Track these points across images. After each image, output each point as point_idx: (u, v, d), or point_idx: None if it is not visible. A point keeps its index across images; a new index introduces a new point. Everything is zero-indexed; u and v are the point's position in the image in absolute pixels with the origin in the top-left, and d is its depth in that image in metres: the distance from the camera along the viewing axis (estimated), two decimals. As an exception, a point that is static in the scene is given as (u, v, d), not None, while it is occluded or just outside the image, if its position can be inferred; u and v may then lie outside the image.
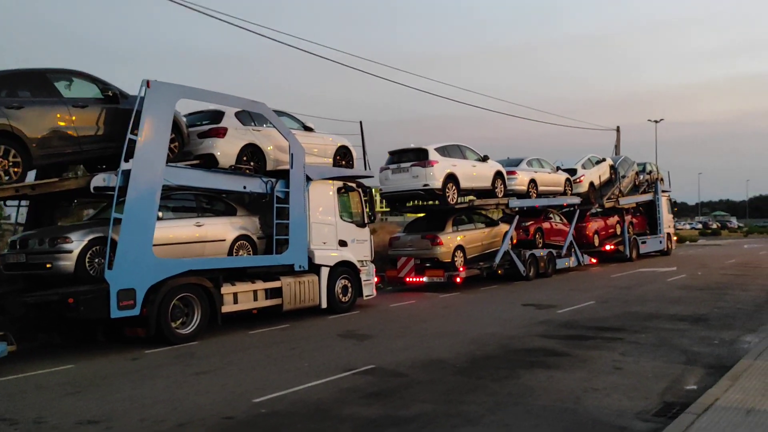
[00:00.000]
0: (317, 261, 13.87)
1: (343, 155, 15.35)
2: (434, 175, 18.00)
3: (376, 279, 18.56)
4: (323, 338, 11.32)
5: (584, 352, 9.64)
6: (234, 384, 8.12)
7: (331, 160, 14.99)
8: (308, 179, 13.76)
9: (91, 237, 10.24)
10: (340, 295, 14.40)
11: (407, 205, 19.93)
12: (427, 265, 18.46)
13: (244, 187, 12.61)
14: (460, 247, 18.76)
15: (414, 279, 18.52)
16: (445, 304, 15.88)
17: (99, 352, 10.44)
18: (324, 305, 13.94)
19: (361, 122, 15.53)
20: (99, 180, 10.34)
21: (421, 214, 21.06)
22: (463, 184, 18.94)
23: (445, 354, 9.64)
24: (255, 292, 12.53)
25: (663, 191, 33.95)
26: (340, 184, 14.90)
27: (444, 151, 18.70)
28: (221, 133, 12.53)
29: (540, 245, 22.93)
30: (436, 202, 18.72)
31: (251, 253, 12.79)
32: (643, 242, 30.76)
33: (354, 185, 15.33)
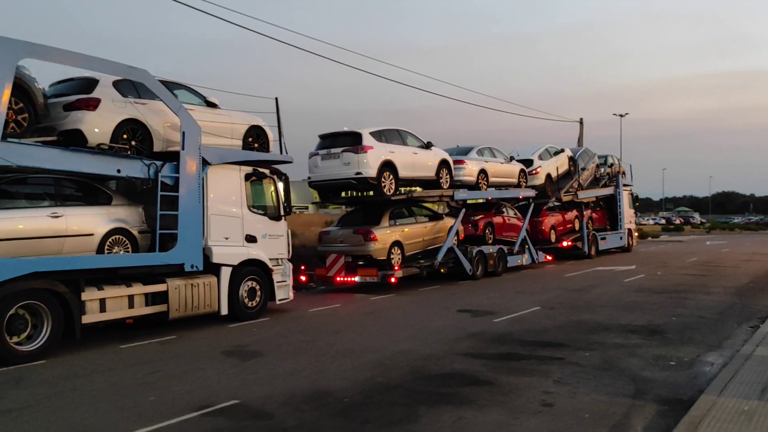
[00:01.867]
0: (216, 260, 11.79)
1: (256, 137, 13.25)
2: (368, 163, 16.02)
3: (303, 278, 16.67)
4: (201, 357, 9.27)
5: (511, 379, 7.77)
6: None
7: (240, 142, 12.89)
8: (206, 163, 11.66)
9: None
10: (246, 300, 12.35)
11: (342, 196, 17.91)
12: (360, 263, 16.50)
13: (118, 171, 10.45)
14: (397, 244, 16.83)
15: (345, 278, 16.55)
16: (372, 308, 13.94)
17: None
18: (224, 311, 11.88)
19: (276, 98, 13.44)
20: None
21: (355, 207, 19.04)
22: (402, 173, 17.00)
23: (338, 382, 7.69)
24: (131, 297, 10.40)
25: (625, 185, 32.54)
26: (249, 169, 12.81)
27: (380, 135, 16.72)
28: (92, 104, 10.36)
29: (490, 241, 21.15)
30: (371, 193, 16.75)
31: (130, 250, 10.67)
32: (603, 238, 29.25)
33: (267, 172, 13.25)
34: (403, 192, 17.41)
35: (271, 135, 13.61)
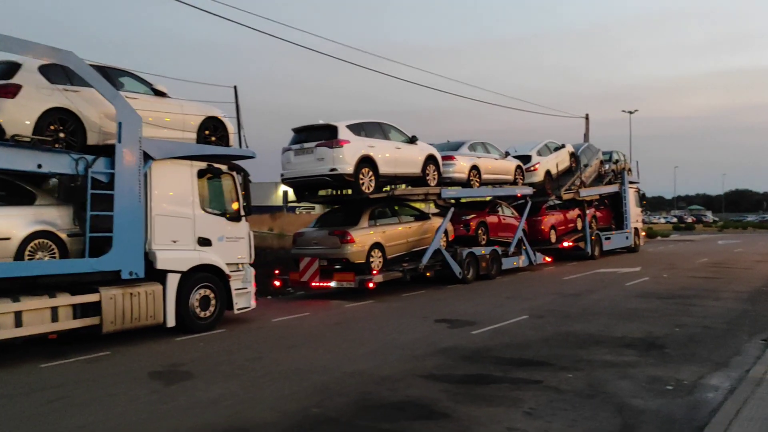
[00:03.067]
0: (161, 265, 10.56)
1: (213, 129, 12.02)
2: (344, 158, 14.74)
3: (277, 283, 15.47)
4: (122, 379, 8.03)
5: (473, 410, 6.48)
6: None
7: (194, 135, 11.66)
8: (148, 158, 10.43)
9: None
10: (198, 310, 11.11)
11: (320, 194, 16.63)
12: (337, 266, 15.23)
13: (39, 166, 9.22)
14: (377, 246, 15.54)
15: (320, 284, 15.30)
16: (343, 317, 12.66)
17: None
18: (171, 323, 10.65)
19: (235, 87, 12.21)
20: None
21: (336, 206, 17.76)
22: (383, 169, 15.70)
23: (265, 413, 6.43)
24: (54, 309, 9.19)
25: (631, 182, 31.06)
26: (203, 165, 11.57)
27: (359, 129, 15.44)
28: (10, 91, 9.17)
29: (484, 242, 19.81)
30: (349, 191, 15.47)
31: (57, 255, 9.46)
32: (607, 238, 27.79)
33: (224, 168, 12.00)
34: (385, 190, 16.12)
35: (231, 127, 12.38)
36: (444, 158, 18.48)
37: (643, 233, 33.93)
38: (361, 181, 15.07)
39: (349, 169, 14.77)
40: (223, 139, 12.17)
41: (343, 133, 14.93)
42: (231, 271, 11.79)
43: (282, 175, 15.64)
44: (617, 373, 7.93)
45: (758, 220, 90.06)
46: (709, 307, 13.18)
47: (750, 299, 14.36)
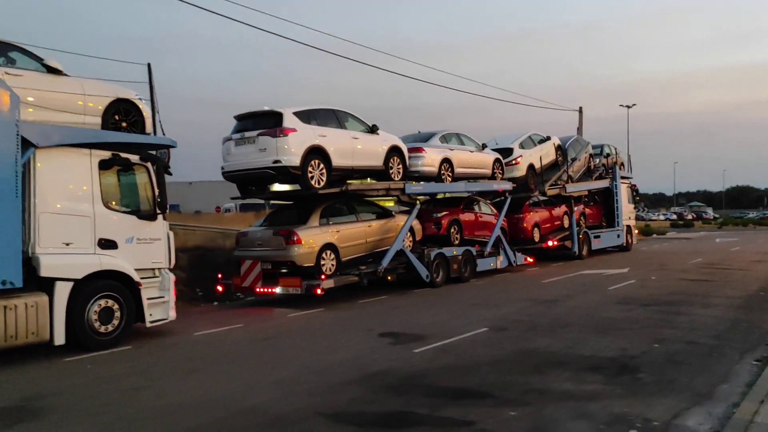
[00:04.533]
0: (46, 272, 8.94)
1: (125, 113, 10.40)
2: (289, 149, 13.13)
3: (220, 288, 13.91)
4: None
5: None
6: None
7: (99, 119, 10.03)
8: (30, 145, 8.82)
9: None
10: (97, 324, 9.49)
11: (271, 190, 14.99)
12: (283, 270, 13.62)
13: None
14: (330, 247, 13.92)
15: (265, 289, 13.69)
16: (276, 331, 11.05)
17: None
18: (60, 341, 9.03)
19: (149, 65, 10.59)
20: None
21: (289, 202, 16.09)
22: (338, 161, 14.09)
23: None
24: None
25: (623, 177, 29.44)
26: (107, 155, 9.93)
27: (308, 116, 13.81)
28: None
29: (457, 242, 18.20)
30: (297, 187, 13.86)
31: None
32: (597, 237, 26.17)
33: (135, 158, 10.37)
34: (349, 184, 14.47)
35: (148, 112, 10.77)
36: (411, 150, 16.88)
37: (636, 231, 32.29)
38: (310, 175, 13.46)
39: (296, 161, 13.16)
40: (137, 125, 10.56)
41: (289, 121, 13.32)
42: (143, 278, 10.19)
43: (222, 168, 14.02)
44: (573, 410, 6.33)
45: (759, 216, 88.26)
46: (697, 317, 11.58)
47: (744, 306, 12.77)
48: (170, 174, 10.99)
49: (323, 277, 13.33)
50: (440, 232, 17.84)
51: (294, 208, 15.03)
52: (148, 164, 10.50)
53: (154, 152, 10.78)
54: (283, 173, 13.21)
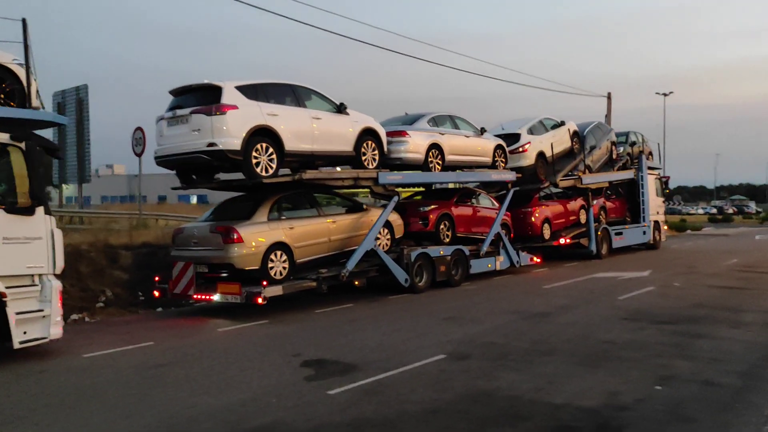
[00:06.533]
0: None
1: (-2, 83, 8.37)
2: (228, 129, 10.98)
3: (156, 294, 11.89)
4: None
5: None
6: None
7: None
8: None
9: None
10: (-62, 345, 7.49)
11: (218, 179, 12.89)
12: (224, 273, 11.50)
13: None
14: (280, 246, 11.75)
15: (201, 296, 11.61)
16: (183, 354, 8.88)
17: None
18: None
19: (24, 20, 8.49)
20: None
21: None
22: (292, 145, 11.90)
23: None
24: None
25: (650, 168, 26.67)
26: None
27: (255, 92, 11.63)
28: None
29: (448, 239, 15.88)
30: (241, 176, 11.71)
31: None
32: (619, 233, 23.51)
33: (5, 137, 8.30)
34: (303, 172, 12.24)
35: (32, 81, 8.71)
36: (392, 134, 14.60)
37: (665, 227, 29.41)
38: (255, 161, 11.29)
39: (235, 144, 11.01)
40: (12, 95, 8.51)
41: (230, 96, 11.16)
42: (13, 287, 8.16)
43: (155, 152, 11.95)
44: None
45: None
46: (722, 341, 9.12)
47: (784, 327, 10.22)
48: (59, 158, 8.94)
49: (265, 283, 11.14)
50: (427, 229, 15.53)
51: (247, 200, 12.84)
52: (22, 144, 8.43)
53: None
54: (220, 158, 11.06)
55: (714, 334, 9.58)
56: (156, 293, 12.21)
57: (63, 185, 23.65)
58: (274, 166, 11.60)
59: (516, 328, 10.20)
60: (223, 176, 13.01)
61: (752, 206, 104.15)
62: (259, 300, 10.91)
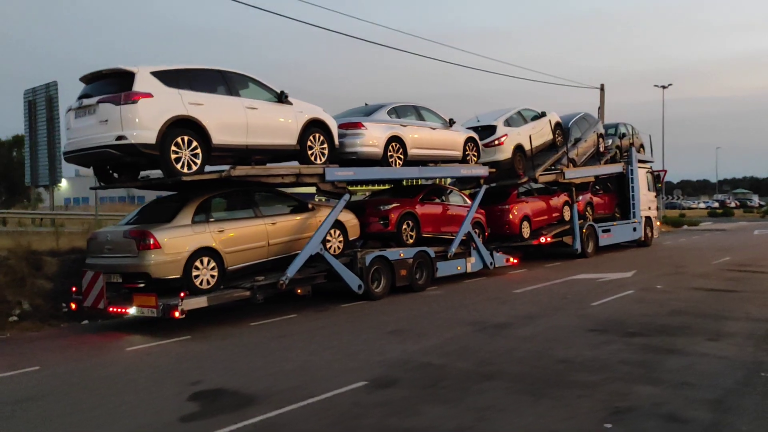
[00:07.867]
0: None
1: None
2: (141, 121, 9.68)
3: (73, 306, 10.63)
4: None
5: None
6: None
7: None
8: None
9: None
10: None
11: (140, 177, 11.62)
12: (140, 284, 10.21)
13: None
14: (207, 252, 10.47)
15: (117, 309, 10.34)
16: (67, 382, 7.61)
17: None
18: None
19: None
20: None
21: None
22: (221, 138, 10.59)
23: None
24: None
25: (641, 162, 25.32)
26: None
27: (175, 78, 10.32)
28: None
29: (411, 240, 14.59)
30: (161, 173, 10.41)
31: None
32: (606, 231, 22.15)
33: None
34: (233, 168, 10.92)
35: None
36: (346, 126, 13.34)
37: (658, 223, 28.04)
38: (174, 156, 10.01)
39: (149, 136, 9.71)
40: None
41: (143, 83, 9.86)
42: None
43: (64, 147, 10.68)
44: None
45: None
46: (697, 358, 7.83)
47: (771, 339, 8.91)
48: None
49: (183, 294, 9.86)
50: (387, 229, 14.24)
51: (174, 201, 11.50)
52: None
53: None
54: (132, 153, 9.77)
55: (688, 349, 8.29)
56: (73, 306, 10.96)
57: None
58: (198, 162, 10.30)
59: (464, 344, 8.90)
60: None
61: (756, 199, 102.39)
62: (176, 314, 9.62)
